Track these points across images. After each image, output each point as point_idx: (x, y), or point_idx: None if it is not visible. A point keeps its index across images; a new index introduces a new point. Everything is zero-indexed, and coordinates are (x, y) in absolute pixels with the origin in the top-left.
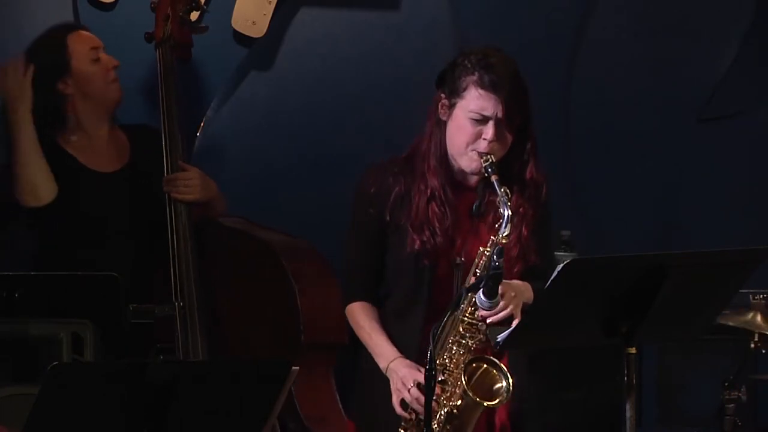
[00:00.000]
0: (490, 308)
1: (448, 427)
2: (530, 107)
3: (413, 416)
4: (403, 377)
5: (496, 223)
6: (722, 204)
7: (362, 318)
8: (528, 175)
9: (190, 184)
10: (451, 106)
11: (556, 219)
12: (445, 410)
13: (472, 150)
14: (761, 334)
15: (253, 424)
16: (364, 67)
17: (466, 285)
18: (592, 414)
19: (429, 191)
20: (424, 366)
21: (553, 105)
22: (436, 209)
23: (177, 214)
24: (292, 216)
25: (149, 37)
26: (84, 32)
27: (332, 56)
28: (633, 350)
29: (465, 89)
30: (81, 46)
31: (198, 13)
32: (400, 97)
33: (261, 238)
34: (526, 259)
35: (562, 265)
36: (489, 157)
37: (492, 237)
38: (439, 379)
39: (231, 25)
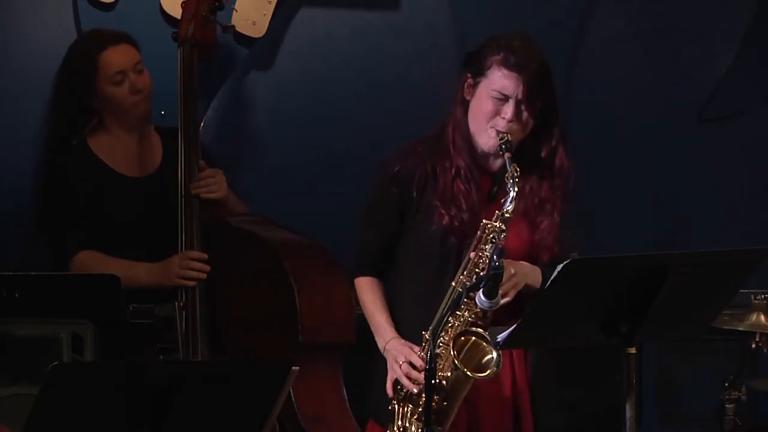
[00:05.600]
0: (490, 308)
1: (436, 398)
2: (555, 95)
3: (405, 391)
4: (396, 355)
5: (525, 212)
6: (722, 204)
7: (367, 294)
8: (558, 162)
9: (218, 181)
10: (475, 85)
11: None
12: (434, 381)
13: (491, 128)
14: (762, 334)
15: (254, 424)
16: (364, 67)
17: (466, 284)
18: (592, 414)
19: (454, 169)
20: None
21: None
22: (462, 186)
23: (187, 214)
24: (292, 216)
25: (175, 36)
26: (118, 49)
27: (332, 56)
28: (633, 350)
29: (489, 68)
30: (106, 68)
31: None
32: (400, 96)
33: (261, 236)
34: (551, 249)
35: (562, 265)
36: (505, 135)
37: (497, 211)
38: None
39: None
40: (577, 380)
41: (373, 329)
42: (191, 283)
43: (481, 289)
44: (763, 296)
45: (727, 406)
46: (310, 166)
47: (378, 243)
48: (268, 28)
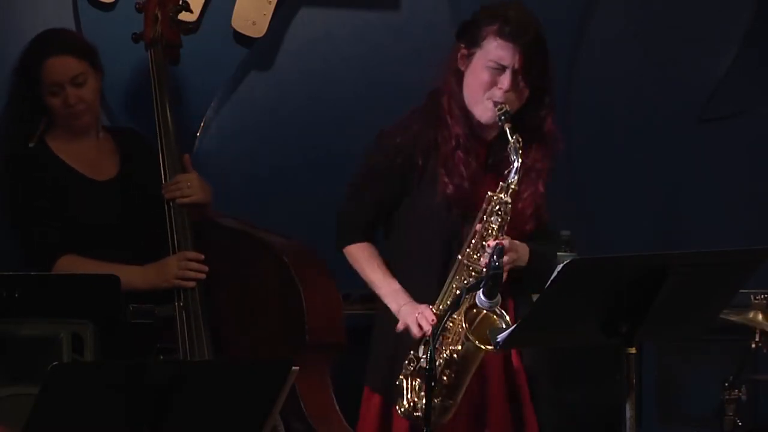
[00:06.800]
0: (490, 308)
1: (447, 372)
2: (549, 63)
3: (414, 365)
4: (411, 310)
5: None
6: (722, 204)
7: (371, 260)
8: (546, 128)
9: (192, 185)
10: (469, 56)
11: (556, 219)
12: (445, 355)
13: (488, 99)
14: (762, 334)
15: (254, 424)
16: (364, 67)
17: (466, 283)
18: (592, 414)
19: (454, 139)
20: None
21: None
22: (462, 155)
23: (176, 216)
24: (293, 216)
25: (137, 38)
26: (59, 60)
27: (332, 56)
28: (633, 350)
29: (485, 38)
30: (46, 78)
31: (189, 14)
32: (400, 97)
33: (262, 239)
34: (539, 218)
35: (562, 265)
36: (503, 105)
37: (501, 182)
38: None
39: (231, 25)
40: (577, 380)
41: (382, 293)
42: (191, 284)
43: (481, 289)
44: (763, 296)
45: (727, 406)
46: (310, 166)
47: (372, 211)
48: (268, 28)
